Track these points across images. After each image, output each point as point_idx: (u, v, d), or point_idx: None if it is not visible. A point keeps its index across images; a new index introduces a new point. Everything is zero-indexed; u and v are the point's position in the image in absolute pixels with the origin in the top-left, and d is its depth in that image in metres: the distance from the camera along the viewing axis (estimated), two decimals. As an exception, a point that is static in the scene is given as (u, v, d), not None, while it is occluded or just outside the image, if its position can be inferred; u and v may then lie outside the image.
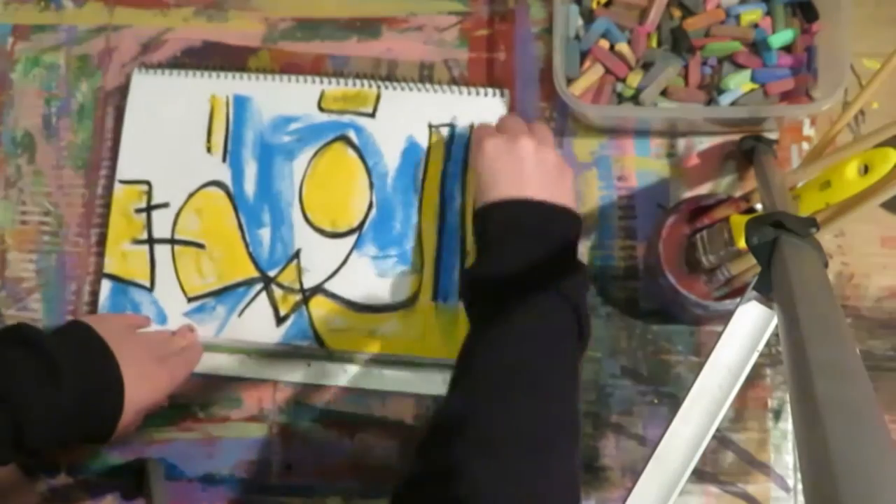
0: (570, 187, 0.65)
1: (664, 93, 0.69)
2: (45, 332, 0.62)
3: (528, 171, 0.63)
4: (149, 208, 0.73)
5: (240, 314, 0.71)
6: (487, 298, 0.59)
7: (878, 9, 0.72)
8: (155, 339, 0.69)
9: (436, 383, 0.69)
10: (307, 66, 0.76)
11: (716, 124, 0.70)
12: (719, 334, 0.47)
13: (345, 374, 0.70)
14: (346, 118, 0.73)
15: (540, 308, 0.57)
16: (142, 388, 0.63)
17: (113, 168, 0.75)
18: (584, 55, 0.70)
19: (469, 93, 0.73)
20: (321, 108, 0.74)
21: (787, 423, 0.67)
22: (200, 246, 0.72)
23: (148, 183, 0.74)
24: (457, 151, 0.72)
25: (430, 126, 0.72)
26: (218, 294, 0.71)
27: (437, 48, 0.76)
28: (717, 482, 0.67)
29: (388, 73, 0.75)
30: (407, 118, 0.73)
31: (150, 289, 0.72)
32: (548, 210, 0.62)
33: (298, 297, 0.71)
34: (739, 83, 0.68)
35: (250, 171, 0.73)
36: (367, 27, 0.77)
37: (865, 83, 0.57)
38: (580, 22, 0.71)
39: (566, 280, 0.58)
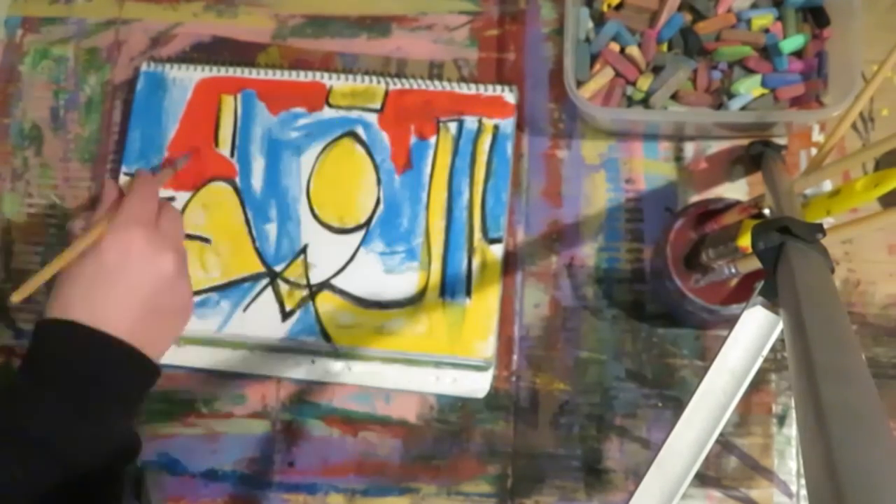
0: (175, 332, 0.63)
1: (674, 96, 0.69)
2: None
3: (149, 299, 0.58)
4: (155, 202, 0.73)
5: (245, 309, 0.70)
6: None
7: (889, 15, 0.72)
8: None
9: (440, 382, 0.69)
10: (316, 63, 0.76)
11: (725, 129, 0.70)
12: (724, 339, 0.47)
13: (349, 372, 0.70)
14: (354, 114, 0.73)
15: (24, 472, 0.50)
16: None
17: (119, 161, 0.75)
18: (594, 58, 0.70)
19: (478, 88, 0.73)
20: (329, 104, 0.74)
21: (791, 429, 0.67)
22: (206, 240, 0.72)
23: (155, 177, 0.74)
24: (464, 146, 0.72)
25: (438, 121, 0.72)
26: (222, 289, 0.71)
27: (447, 47, 0.76)
28: (719, 487, 0.67)
29: (398, 72, 0.75)
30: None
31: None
32: (127, 360, 0.56)
33: (305, 292, 0.70)
34: (750, 88, 0.67)
35: (258, 166, 0.73)
36: (377, 25, 0.77)
37: (864, 87, 0.57)
38: (591, 24, 0.71)
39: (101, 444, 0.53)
